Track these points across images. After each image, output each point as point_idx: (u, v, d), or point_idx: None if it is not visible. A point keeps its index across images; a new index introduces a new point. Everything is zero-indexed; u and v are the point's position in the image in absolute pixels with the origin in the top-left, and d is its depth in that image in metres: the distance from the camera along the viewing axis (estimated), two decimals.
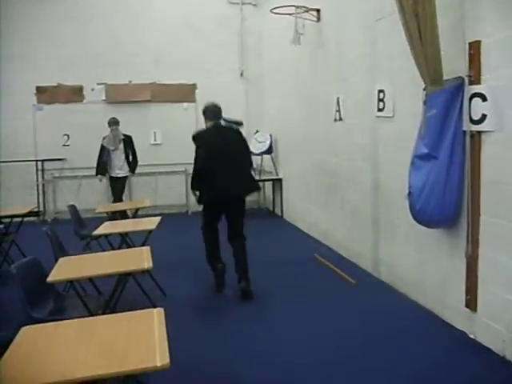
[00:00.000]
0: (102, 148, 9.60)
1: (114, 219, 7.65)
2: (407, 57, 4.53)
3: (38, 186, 11.20)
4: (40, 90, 11.20)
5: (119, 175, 9.66)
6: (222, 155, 5.82)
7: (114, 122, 9.57)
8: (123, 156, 9.64)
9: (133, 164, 9.73)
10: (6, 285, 5.87)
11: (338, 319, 5.03)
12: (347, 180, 7.06)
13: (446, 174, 4.33)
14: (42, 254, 4.56)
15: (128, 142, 9.70)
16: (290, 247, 8.24)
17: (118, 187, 9.66)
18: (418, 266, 5.28)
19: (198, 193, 6.06)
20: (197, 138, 6.06)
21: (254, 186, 6.33)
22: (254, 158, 11.09)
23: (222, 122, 6.20)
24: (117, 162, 9.63)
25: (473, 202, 4.23)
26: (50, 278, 3.89)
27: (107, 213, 8.04)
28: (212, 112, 6.17)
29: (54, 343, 2.70)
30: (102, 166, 9.59)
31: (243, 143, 6.16)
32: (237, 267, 5.88)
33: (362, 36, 6.37)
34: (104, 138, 9.62)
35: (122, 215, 8.50)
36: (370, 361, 4.13)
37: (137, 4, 11.39)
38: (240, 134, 6.22)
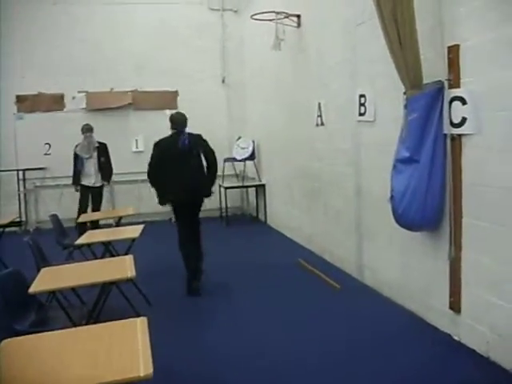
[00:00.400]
0: (76, 156, 9.22)
1: (84, 231, 7.16)
2: (387, 61, 4.55)
3: (19, 195, 11.09)
4: (20, 99, 11.12)
5: (95, 184, 9.25)
6: (175, 160, 6.10)
7: (87, 129, 9.17)
8: (97, 164, 9.24)
9: (107, 172, 9.34)
10: None
11: (323, 324, 5.02)
12: (330, 185, 7.08)
13: (428, 178, 4.35)
14: (24, 264, 4.53)
15: (102, 149, 9.30)
16: (274, 252, 8.23)
17: (94, 196, 9.28)
18: (401, 269, 5.30)
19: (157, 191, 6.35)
20: (156, 144, 6.37)
21: (205, 193, 6.38)
22: (236, 164, 11.27)
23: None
24: (91, 170, 9.20)
25: (455, 204, 4.26)
26: (31, 289, 3.86)
27: (91, 222, 8.00)
28: (175, 121, 6.40)
29: (36, 356, 2.66)
30: (78, 175, 9.22)
31: (205, 151, 6.30)
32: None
33: (342, 41, 6.39)
34: (77, 146, 9.25)
35: (94, 226, 8.36)
36: (356, 365, 4.13)
37: (118, 11, 11.34)
38: (202, 141, 6.35)
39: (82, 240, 6.01)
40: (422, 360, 4.14)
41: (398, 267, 5.36)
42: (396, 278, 5.43)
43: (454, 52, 4.12)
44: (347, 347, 4.46)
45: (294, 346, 4.54)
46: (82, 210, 9.11)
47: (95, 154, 9.24)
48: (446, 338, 4.47)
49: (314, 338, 4.68)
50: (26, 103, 11.14)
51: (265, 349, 4.52)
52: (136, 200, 11.16)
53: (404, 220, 4.67)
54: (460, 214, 4.24)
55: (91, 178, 9.22)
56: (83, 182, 9.21)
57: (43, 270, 4.45)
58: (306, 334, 4.79)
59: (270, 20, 7.90)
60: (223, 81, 12.00)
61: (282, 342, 4.66)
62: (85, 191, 9.23)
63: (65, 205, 10.85)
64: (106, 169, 9.31)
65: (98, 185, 9.31)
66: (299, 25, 7.86)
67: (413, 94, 4.41)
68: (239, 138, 11.11)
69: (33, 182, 11.23)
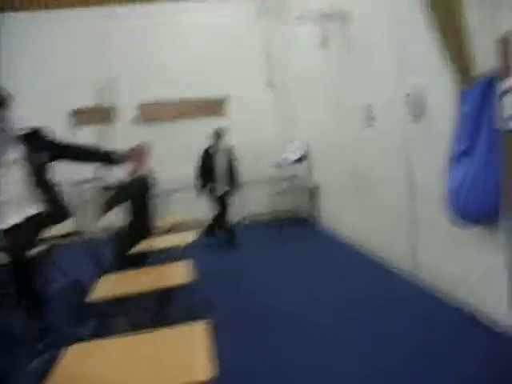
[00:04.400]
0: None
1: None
2: (437, 55, 4.48)
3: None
4: (77, 112, 11.39)
5: None
6: None
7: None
8: None
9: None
10: (49, 305, 5.94)
11: (383, 324, 4.97)
12: (383, 184, 6.99)
13: (485, 171, 4.24)
14: (84, 272, 4.62)
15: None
16: (328, 254, 8.17)
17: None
18: (459, 265, 5.18)
19: None
20: None
21: None
22: (290, 167, 11.24)
23: None
24: None
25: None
26: (93, 296, 3.93)
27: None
28: None
29: (99, 361, 2.71)
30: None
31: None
32: None
33: (390, 37, 6.31)
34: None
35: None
36: (426, 368, 4.05)
37: (165, 23, 11.52)
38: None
39: (139, 247, 6.09)
40: (483, 357, 4.05)
41: (456, 263, 5.24)
42: (454, 274, 5.31)
43: (506, 42, 4.01)
44: (410, 347, 4.39)
45: (367, 347, 4.50)
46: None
47: None
48: (506, 334, 4.35)
49: (379, 339, 4.63)
50: (82, 116, 11.40)
51: (329, 359, 4.48)
52: (190, 206, 11.27)
53: (461, 215, 4.57)
54: None
55: None
56: None
57: (103, 278, 4.54)
58: (369, 339, 4.74)
59: (315, 20, 7.86)
60: (270, 84, 12.01)
61: (339, 346, 4.62)
62: None
63: (121, 214, 11.05)
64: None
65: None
66: (345, 22, 7.79)
67: (465, 87, 4.32)
68: (290, 140, 11.10)
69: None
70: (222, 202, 9.29)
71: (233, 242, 9.10)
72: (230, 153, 9.32)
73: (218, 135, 9.26)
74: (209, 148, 9.30)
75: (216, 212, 9.34)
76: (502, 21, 4.07)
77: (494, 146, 4.20)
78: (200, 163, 9.29)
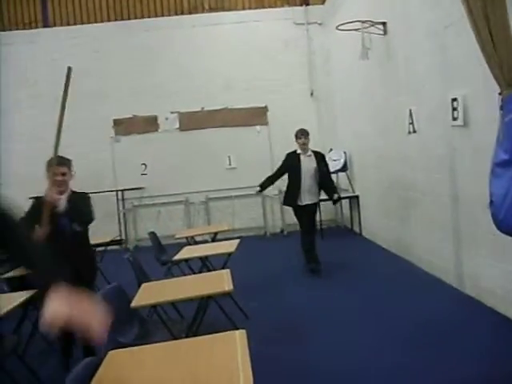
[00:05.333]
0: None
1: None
2: (480, 62, 4.41)
3: (119, 214, 11.55)
4: (117, 123, 11.61)
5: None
6: None
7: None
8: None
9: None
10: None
11: (422, 334, 4.89)
12: (425, 193, 6.90)
13: None
14: (126, 280, 4.68)
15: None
16: (370, 263, 8.09)
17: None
18: (504, 277, 5.07)
19: None
20: None
21: None
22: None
23: None
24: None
25: None
26: (133, 304, 3.99)
27: (187, 238, 8.16)
28: None
29: (139, 367, 2.74)
30: None
31: None
32: None
33: (430, 45, 6.25)
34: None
35: None
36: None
37: (205, 32, 11.71)
38: None
39: (179, 256, 6.16)
40: None
41: (501, 275, 5.13)
42: (499, 287, 5.20)
43: None
44: (457, 360, 4.30)
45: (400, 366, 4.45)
46: None
47: None
48: None
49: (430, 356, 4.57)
50: (122, 126, 11.62)
51: (361, 367, 4.44)
52: (230, 216, 11.35)
53: (505, 225, 4.46)
54: None
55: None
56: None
57: (144, 286, 4.60)
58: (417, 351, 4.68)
59: (356, 30, 7.85)
60: (311, 94, 12.03)
61: (367, 347, 4.57)
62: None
63: (162, 222, 11.21)
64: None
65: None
66: (385, 32, 7.76)
67: (509, 94, 4.24)
68: (330, 150, 11.06)
69: (131, 202, 11.66)
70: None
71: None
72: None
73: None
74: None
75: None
76: None
77: None
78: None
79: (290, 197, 7.68)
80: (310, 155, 7.64)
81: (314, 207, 7.74)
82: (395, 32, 7.48)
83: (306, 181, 7.55)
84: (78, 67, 11.18)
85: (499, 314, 5.14)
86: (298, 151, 7.64)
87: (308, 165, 7.58)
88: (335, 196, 7.78)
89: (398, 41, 7.37)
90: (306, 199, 7.58)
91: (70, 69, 4.31)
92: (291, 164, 7.63)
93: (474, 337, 4.71)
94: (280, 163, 7.89)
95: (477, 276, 5.68)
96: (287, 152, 7.82)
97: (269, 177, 7.94)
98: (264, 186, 7.88)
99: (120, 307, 4.00)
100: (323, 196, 7.96)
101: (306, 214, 7.65)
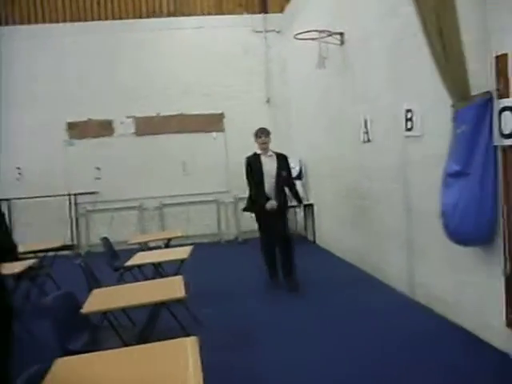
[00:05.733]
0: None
1: None
2: (433, 75, 4.50)
3: (71, 219, 11.35)
4: (71, 126, 11.42)
5: None
6: None
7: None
8: None
9: None
10: (41, 317, 5.89)
11: (378, 340, 4.93)
12: (379, 202, 6.98)
13: (480, 191, 4.24)
14: (77, 286, 4.59)
15: None
16: (325, 272, 8.13)
17: None
18: (454, 286, 5.16)
19: None
20: None
21: None
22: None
23: None
24: None
25: (508, 217, 4.14)
26: (84, 310, 3.91)
27: (140, 244, 8.07)
28: None
29: (88, 375, 2.68)
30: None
31: None
32: None
33: (386, 56, 6.35)
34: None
35: None
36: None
37: (163, 37, 11.61)
38: None
39: (132, 261, 6.08)
40: (479, 380, 4.01)
41: (451, 284, 5.22)
42: (449, 295, 5.29)
43: (502, 61, 4.02)
44: (400, 365, 4.36)
45: (335, 364, 4.47)
46: None
47: None
48: (503, 357, 4.31)
49: (364, 357, 4.60)
50: (77, 130, 11.44)
51: (323, 370, 4.45)
52: (185, 222, 11.28)
53: (456, 235, 4.56)
54: None
55: None
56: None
57: (95, 292, 4.51)
58: (353, 352, 4.71)
59: (313, 39, 7.92)
60: (268, 101, 12.07)
61: (333, 358, 4.59)
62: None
63: (115, 228, 11.06)
64: None
65: None
66: (342, 42, 7.85)
67: (461, 107, 4.33)
68: None
69: (84, 207, 11.47)
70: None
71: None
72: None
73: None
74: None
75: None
76: (495, 43, 4.10)
77: (489, 166, 4.21)
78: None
79: (255, 200, 7.21)
80: (271, 155, 7.28)
81: (282, 208, 7.22)
82: (352, 42, 7.58)
83: (269, 183, 7.14)
84: (34, 68, 11.17)
85: (449, 322, 5.23)
86: (258, 152, 7.26)
87: (269, 166, 7.19)
88: (297, 204, 7.65)
89: (355, 51, 7.47)
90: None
91: None
92: (253, 167, 7.17)
93: (424, 342, 4.78)
94: (244, 171, 7.28)
95: (428, 284, 5.77)
96: (246, 156, 7.33)
97: (250, 193, 7.33)
98: (258, 199, 7.15)
99: (70, 313, 3.92)
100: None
101: (273, 217, 7.06)
